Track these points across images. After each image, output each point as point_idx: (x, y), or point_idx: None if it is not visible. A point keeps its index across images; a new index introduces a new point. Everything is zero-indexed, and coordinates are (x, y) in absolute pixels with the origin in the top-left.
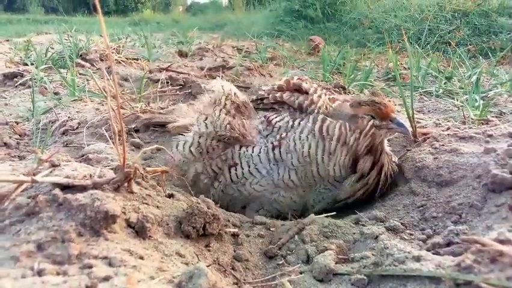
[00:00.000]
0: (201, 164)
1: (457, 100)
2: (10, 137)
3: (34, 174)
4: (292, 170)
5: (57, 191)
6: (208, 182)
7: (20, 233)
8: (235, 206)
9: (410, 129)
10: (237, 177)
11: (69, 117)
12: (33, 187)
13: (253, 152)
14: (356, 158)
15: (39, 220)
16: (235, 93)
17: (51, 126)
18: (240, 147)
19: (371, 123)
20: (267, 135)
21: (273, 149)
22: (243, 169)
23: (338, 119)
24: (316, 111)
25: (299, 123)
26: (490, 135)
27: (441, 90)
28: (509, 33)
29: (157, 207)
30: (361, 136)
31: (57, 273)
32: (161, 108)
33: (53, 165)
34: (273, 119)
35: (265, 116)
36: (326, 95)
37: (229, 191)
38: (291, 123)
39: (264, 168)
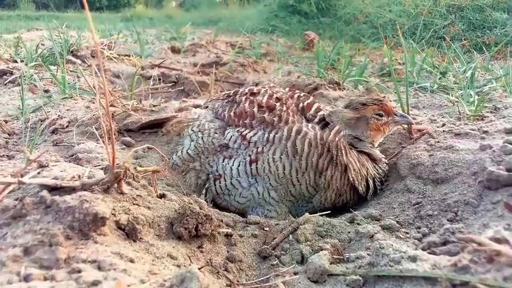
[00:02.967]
0: (198, 162)
1: (452, 95)
2: None
3: (22, 175)
4: (272, 189)
5: (45, 192)
6: (205, 178)
7: (6, 236)
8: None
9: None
10: (221, 189)
11: (59, 116)
12: (20, 188)
13: (233, 165)
14: (320, 173)
15: (26, 223)
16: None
17: (41, 125)
18: (224, 159)
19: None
20: (245, 149)
21: (251, 163)
22: (225, 181)
23: (342, 126)
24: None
25: (274, 137)
26: (485, 132)
27: (436, 86)
28: (503, 28)
29: (148, 208)
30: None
31: (45, 278)
32: (153, 106)
33: (42, 166)
34: (247, 134)
35: (238, 131)
36: (298, 105)
37: (217, 202)
38: (266, 135)
39: (245, 182)
